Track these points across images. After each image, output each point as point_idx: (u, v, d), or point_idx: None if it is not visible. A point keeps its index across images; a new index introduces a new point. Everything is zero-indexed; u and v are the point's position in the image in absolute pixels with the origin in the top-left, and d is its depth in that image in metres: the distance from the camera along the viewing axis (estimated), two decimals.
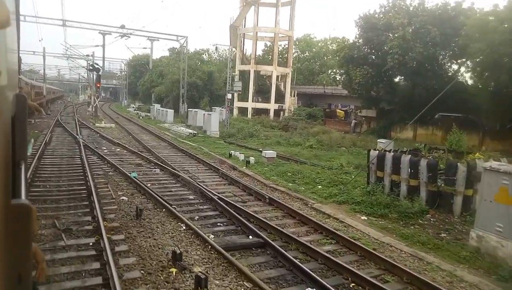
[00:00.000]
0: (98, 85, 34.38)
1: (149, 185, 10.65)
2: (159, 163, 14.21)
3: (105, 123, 29.93)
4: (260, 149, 20.43)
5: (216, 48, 42.73)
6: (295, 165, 15.05)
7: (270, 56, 51.24)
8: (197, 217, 8.48)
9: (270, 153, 15.47)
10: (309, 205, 9.93)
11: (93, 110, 35.05)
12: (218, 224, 8.12)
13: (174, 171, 12.51)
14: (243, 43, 41.84)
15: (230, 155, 16.22)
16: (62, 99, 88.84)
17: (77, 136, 19.91)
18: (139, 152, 16.50)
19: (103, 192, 9.70)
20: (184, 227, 7.61)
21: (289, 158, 16.92)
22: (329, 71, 63.06)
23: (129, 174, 11.49)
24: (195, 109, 30.42)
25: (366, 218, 9.12)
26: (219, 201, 9.20)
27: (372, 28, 27.14)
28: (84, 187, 10.07)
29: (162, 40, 34.08)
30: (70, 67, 68.56)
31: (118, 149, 17.39)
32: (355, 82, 28.01)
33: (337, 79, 59.79)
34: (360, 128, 35.59)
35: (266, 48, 51.15)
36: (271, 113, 39.17)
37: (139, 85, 71.22)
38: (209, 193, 9.89)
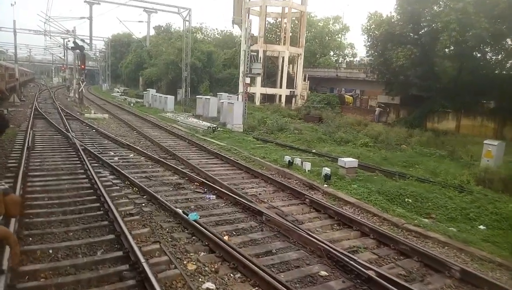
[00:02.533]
0: (83, 67, 28.88)
1: (227, 239, 6.21)
2: (204, 180, 9.69)
3: (95, 113, 24.80)
4: (304, 147, 16.15)
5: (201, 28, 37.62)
6: (389, 180, 10.85)
7: (273, 35, 46.41)
8: None
9: (350, 161, 11.18)
10: None
11: (79, 97, 29.57)
12: None
13: (241, 201, 8.04)
14: (248, 19, 36.72)
15: (291, 163, 11.81)
16: (34, 82, 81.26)
17: (69, 134, 14.98)
18: (162, 159, 11.88)
19: (161, 267, 5.18)
20: None
21: (368, 167, 12.68)
22: (331, 53, 58.87)
23: (184, 214, 6.96)
24: (205, 96, 25.56)
25: None
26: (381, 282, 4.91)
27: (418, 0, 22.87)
28: (122, 256, 5.52)
29: (160, 13, 28.70)
30: (45, 46, 61.19)
31: (132, 155, 12.67)
32: (397, 64, 23.80)
33: (343, 61, 55.72)
34: (386, 117, 31.69)
35: (269, 26, 46.06)
36: (283, 100, 34.67)
37: (121, 67, 64.92)
38: (341, 258, 5.56)
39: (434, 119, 27.74)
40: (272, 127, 21.14)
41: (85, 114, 23.33)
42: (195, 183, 9.56)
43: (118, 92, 52.95)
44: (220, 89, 39.97)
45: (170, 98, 29.61)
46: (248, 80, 23.95)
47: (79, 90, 28.62)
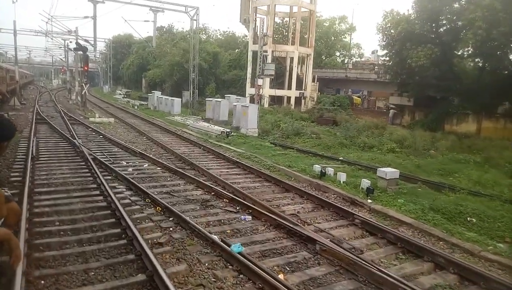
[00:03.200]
0: (86, 68, 27.73)
1: (283, 277, 5.08)
2: (232, 195, 8.56)
3: (100, 117, 23.64)
4: (329, 154, 15.02)
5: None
6: (437, 193, 9.73)
7: (280, 35, 45.31)
8: None
9: (391, 172, 10.04)
10: None
11: (82, 100, 28.41)
12: None
13: (284, 224, 6.90)
14: (255, 19, 35.66)
15: (324, 174, 10.67)
16: (33, 84, 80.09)
17: (75, 141, 13.83)
18: (179, 170, 10.75)
19: None
20: None
21: (406, 177, 11.55)
22: (337, 54, 57.82)
23: (224, 244, 5.81)
24: (216, 99, 24.40)
25: None
26: None
27: None
28: None
29: (166, 14, 27.53)
30: (45, 48, 59.95)
31: (146, 165, 11.51)
32: (417, 64, 22.65)
33: (349, 61, 54.64)
34: (401, 119, 30.58)
35: (275, 26, 44.83)
36: (292, 101, 33.54)
37: (122, 68, 63.73)
38: None
39: (453, 121, 26.64)
40: (287, 131, 20.03)
41: (90, 118, 22.19)
42: (224, 200, 8.41)
43: (120, 94, 51.78)
44: (226, 91, 38.85)
45: (177, 100, 28.47)
46: (260, 82, 22.84)
47: (82, 93, 27.44)
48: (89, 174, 9.86)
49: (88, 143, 14.43)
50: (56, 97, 43.12)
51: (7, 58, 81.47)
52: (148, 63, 49.81)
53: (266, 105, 33.48)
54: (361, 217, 7.51)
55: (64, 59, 56.91)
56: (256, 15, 35.70)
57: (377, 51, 66.94)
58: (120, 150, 13.66)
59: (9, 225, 2.45)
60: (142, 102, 37.67)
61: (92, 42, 27.07)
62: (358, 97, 48.23)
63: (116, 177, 9.72)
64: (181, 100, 31.25)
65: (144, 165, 11.45)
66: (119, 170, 10.27)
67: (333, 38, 58.06)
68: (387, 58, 28.40)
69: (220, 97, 34.39)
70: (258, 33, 37.26)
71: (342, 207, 8.22)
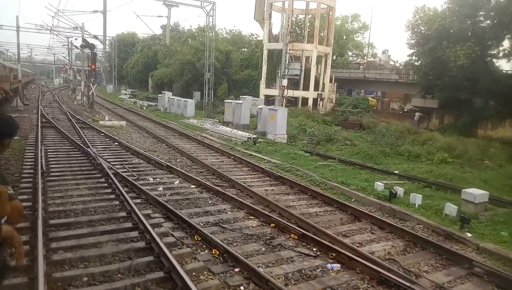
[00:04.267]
0: (94, 67, 25.91)
1: None
2: (295, 226, 6.76)
3: (109, 120, 21.81)
4: (375, 165, 13.21)
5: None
6: None
7: (293, 34, 43.42)
8: None
9: (480, 195, 8.25)
10: None
11: (89, 101, 26.59)
12: None
13: (390, 278, 5.09)
14: (270, 16, 33.84)
15: (393, 195, 8.86)
16: (34, 83, 78.20)
17: (89, 150, 12.03)
18: (217, 188, 8.97)
19: None
20: None
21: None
22: (350, 53, 56.08)
23: None
24: (236, 101, 22.54)
25: None
26: None
27: None
28: None
29: (179, 9, 25.64)
30: (48, 46, 58.09)
31: (177, 181, 9.69)
32: (455, 64, 20.81)
33: (361, 61, 52.83)
34: (428, 122, 28.76)
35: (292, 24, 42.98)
36: (310, 103, 31.70)
37: (126, 67, 61.84)
38: None
39: (487, 126, 24.84)
40: (318, 137, 18.21)
41: (100, 122, 20.35)
42: (291, 235, 6.60)
43: (125, 94, 49.98)
44: (237, 91, 37.06)
45: (191, 102, 26.67)
46: (285, 82, 21.03)
47: (89, 93, 25.61)
48: (113, 196, 8.06)
49: (103, 152, 12.62)
50: (60, 97, 41.30)
51: (7, 56, 79.68)
52: (156, 62, 47.91)
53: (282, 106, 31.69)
54: (484, 265, 5.69)
55: (67, 57, 55.12)
56: (271, 14, 33.88)
57: (387, 50, 65.29)
58: (142, 161, 11.84)
59: (12, 223, 2.38)
60: (150, 103, 35.86)
61: (100, 38, 25.21)
62: (373, 98, 46.40)
63: (147, 201, 7.91)
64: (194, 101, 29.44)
65: (175, 182, 9.63)
66: (147, 189, 8.48)
67: (344, 37, 56.28)
68: (415, 58, 26.52)
69: (234, 98, 32.61)
70: (273, 31, 35.52)
71: (445, 246, 6.41)
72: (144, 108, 33.29)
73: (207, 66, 26.03)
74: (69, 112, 24.08)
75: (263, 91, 33.15)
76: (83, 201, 7.62)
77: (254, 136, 16.63)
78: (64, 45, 49.42)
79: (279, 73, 36.65)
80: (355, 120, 24.91)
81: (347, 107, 28.91)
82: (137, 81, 59.28)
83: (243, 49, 45.67)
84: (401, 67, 45.65)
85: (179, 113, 27.31)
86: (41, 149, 11.72)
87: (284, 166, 12.22)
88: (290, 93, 31.33)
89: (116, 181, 8.77)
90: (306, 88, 33.59)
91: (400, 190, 9.10)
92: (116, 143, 14.51)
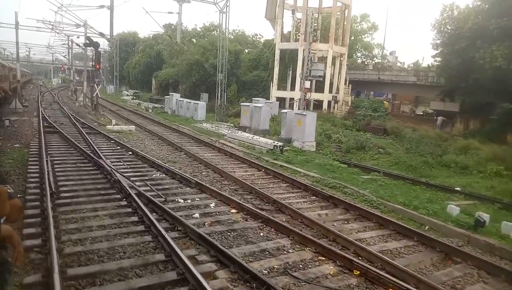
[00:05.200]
0: (98, 67, 24.25)
1: None
2: (390, 276, 5.17)
3: (116, 124, 20.16)
4: (429, 180, 11.65)
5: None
6: None
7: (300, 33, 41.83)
8: None
9: None
10: None
11: (92, 103, 24.92)
12: None
13: None
14: (282, 15, 32.24)
15: (481, 223, 7.28)
16: (32, 83, 76.34)
17: (102, 162, 10.39)
18: (263, 213, 7.38)
19: None
20: None
21: None
22: (359, 54, 54.63)
23: None
24: (256, 104, 20.89)
25: None
26: None
27: None
28: None
29: (188, 7, 23.93)
30: (47, 45, 56.29)
31: (213, 204, 8.06)
32: (491, 65, 19.27)
33: (370, 62, 51.39)
34: (451, 127, 27.25)
35: (299, 23, 41.39)
36: (325, 106, 30.12)
37: (127, 67, 60.13)
38: None
39: None
40: (347, 144, 16.65)
41: (107, 126, 18.69)
42: None
43: (128, 95, 48.32)
44: (245, 93, 35.50)
45: (201, 104, 25.03)
46: (308, 84, 19.48)
47: (94, 95, 23.92)
48: (142, 227, 6.45)
49: (117, 164, 10.99)
50: (60, 98, 39.57)
51: (4, 55, 77.76)
52: (159, 62, 46.20)
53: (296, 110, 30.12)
54: None
55: (67, 56, 53.37)
56: (283, 12, 32.31)
57: (395, 52, 63.91)
58: (164, 175, 10.21)
59: (11, 222, 2.39)
60: (156, 105, 34.20)
61: (107, 36, 23.56)
62: (384, 100, 44.95)
63: (185, 234, 6.29)
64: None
65: (211, 205, 8.01)
66: (181, 216, 6.88)
67: (352, 37, 54.78)
68: (438, 59, 24.99)
69: (246, 100, 31.03)
70: (283, 30, 33.90)
71: None
72: (150, 110, 31.65)
73: (220, 66, 24.40)
74: (72, 115, 22.42)
75: (275, 93, 31.54)
76: (107, 236, 5.99)
77: (280, 144, 15.02)
78: (64, 44, 47.63)
79: (290, 74, 35.35)
80: (378, 124, 23.35)
81: (367, 110, 27.33)
82: (138, 81, 57.60)
83: (248, 50, 44.13)
84: (409, 69, 44.23)
85: (188, 116, 25.68)
86: (46, 161, 10.07)
87: (326, 181, 10.63)
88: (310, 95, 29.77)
89: (141, 205, 7.16)
90: (318, 90, 31.99)
91: (485, 217, 7.52)
92: (130, 153, 12.86)
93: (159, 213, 7.15)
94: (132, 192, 7.93)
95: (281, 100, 31.47)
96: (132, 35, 67.46)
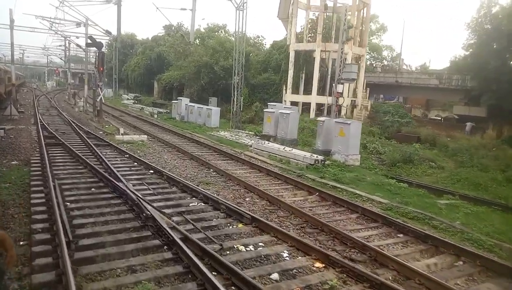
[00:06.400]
0: (102, 69, 22.08)
1: None
2: None
3: (125, 133, 18.02)
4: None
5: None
6: None
7: (312, 34, 39.96)
8: None
9: None
10: None
11: (94, 108, 22.72)
12: None
13: None
14: (297, 14, 30.23)
15: None
16: (25, 86, 73.69)
17: (121, 185, 8.28)
18: (356, 267, 5.37)
19: None
20: None
21: None
22: (367, 56, 52.79)
23: None
24: (282, 110, 18.77)
25: None
26: None
27: None
28: None
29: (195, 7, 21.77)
30: (43, 47, 53.93)
31: (286, 254, 5.99)
32: None
33: (378, 65, 49.70)
34: (482, 134, 25.39)
35: (310, 23, 39.45)
36: (344, 111, 28.09)
37: (125, 70, 57.85)
38: None
39: None
40: (391, 156, 14.67)
41: (116, 136, 16.52)
42: None
43: (128, 99, 46.12)
44: (256, 97, 33.44)
45: (215, 110, 22.95)
46: (340, 89, 17.47)
47: (98, 100, 21.70)
48: None
49: (141, 188, 8.89)
50: (57, 102, 37.27)
51: None
52: (160, 64, 44.02)
53: (313, 115, 28.15)
54: None
55: (63, 58, 50.97)
56: (297, 11, 30.33)
57: (401, 54, 62.30)
58: (204, 205, 8.10)
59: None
60: (160, 110, 32.03)
61: (111, 34, 21.41)
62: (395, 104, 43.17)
63: None
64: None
65: (284, 255, 5.93)
66: (254, 277, 4.83)
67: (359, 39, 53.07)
68: (471, 61, 23.14)
69: (260, 105, 29.03)
70: (290, 30, 31.86)
71: None
72: (155, 115, 29.49)
73: (236, 68, 22.35)
74: (73, 122, 20.26)
75: (289, 97, 29.50)
76: None
77: (321, 157, 12.98)
78: (60, 45, 45.23)
79: (303, 77, 33.38)
80: (410, 132, 21.42)
81: (393, 116, 25.36)
82: (138, 85, 55.37)
83: (251, 52, 42.12)
84: (416, 72, 42.51)
85: (200, 123, 23.57)
86: (54, 187, 7.93)
87: (401, 210, 8.62)
88: (322, 99, 27.82)
89: (196, 260, 5.08)
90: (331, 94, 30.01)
91: None
92: (151, 171, 10.73)
93: (223, 273, 5.07)
94: (176, 236, 5.84)
95: (293, 105, 29.46)
96: (130, 36, 65.21)
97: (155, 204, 7.48)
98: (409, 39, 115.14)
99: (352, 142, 13.40)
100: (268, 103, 26.90)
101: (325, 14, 29.79)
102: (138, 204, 7.37)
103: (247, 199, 8.95)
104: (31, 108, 28.80)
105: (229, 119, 26.06)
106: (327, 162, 13.08)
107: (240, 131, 21.00)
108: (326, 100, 27.64)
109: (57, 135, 15.40)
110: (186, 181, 9.54)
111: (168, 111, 31.38)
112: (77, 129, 18.00)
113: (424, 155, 15.36)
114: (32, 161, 10.90)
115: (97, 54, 22.69)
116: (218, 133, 19.91)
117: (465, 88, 26.96)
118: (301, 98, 30.24)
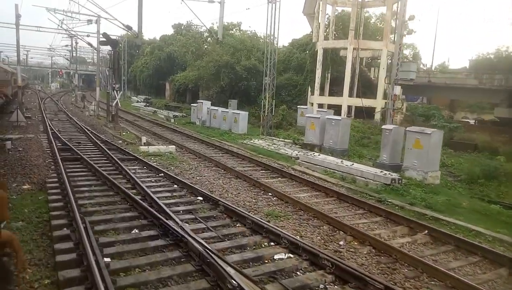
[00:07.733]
0: (117, 70, 19.80)
1: None
2: None
3: (148, 142, 15.76)
4: None
5: None
6: None
7: (339, 32, 37.62)
8: None
9: None
10: None
11: (109, 113, 20.45)
12: None
13: None
14: (325, 9, 27.91)
15: None
16: (29, 88, 71.82)
17: (171, 223, 5.99)
18: None
19: None
20: None
21: None
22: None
23: None
24: (329, 116, 16.39)
25: None
26: None
27: None
28: None
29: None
30: (49, 47, 51.97)
31: None
32: None
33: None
34: None
35: (335, 19, 37.08)
36: (378, 115, 25.78)
37: (132, 70, 55.74)
38: None
39: None
40: (472, 172, 12.32)
41: (140, 147, 14.22)
42: None
43: (138, 101, 43.94)
44: (277, 99, 31.11)
45: (243, 115, 20.61)
46: (397, 91, 15.16)
47: (113, 104, 19.43)
48: None
49: (199, 227, 6.62)
50: (64, 105, 35.16)
51: (0, 59, 73.12)
52: (171, 64, 41.78)
53: None
54: None
55: (69, 59, 48.82)
56: (325, 6, 28.00)
57: (418, 51, 59.80)
58: (299, 260, 5.78)
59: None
60: (175, 113, 29.78)
61: (132, 29, 19.19)
62: (418, 105, 40.70)
63: None
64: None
65: None
66: None
67: (378, 37, 50.70)
68: None
69: (286, 107, 26.73)
70: (320, 27, 29.53)
71: None
72: (172, 120, 27.24)
73: (264, 69, 20.05)
74: (86, 129, 18.06)
75: (316, 99, 27.16)
76: None
77: (397, 176, 10.65)
78: (67, 45, 43.05)
79: (329, 77, 31.08)
80: (465, 138, 19.02)
81: (439, 120, 22.93)
82: (147, 86, 53.23)
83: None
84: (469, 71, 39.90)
85: (225, 129, 21.26)
86: (85, 228, 5.66)
87: None
88: (358, 102, 25.57)
89: None
90: (364, 95, 27.67)
91: None
92: (200, 198, 8.42)
93: None
94: None
95: (320, 107, 27.13)
96: (135, 37, 63.17)
97: (230, 259, 5.21)
98: (423, 38, 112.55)
99: (432, 156, 11.06)
100: (298, 107, 24.61)
101: (357, 8, 27.42)
102: (209, 262, 5.07)
103: (340, 243, 6.63)
104: (38, 112, 26.64)
105: (253, 124, 23.80)
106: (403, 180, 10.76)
107: (274, 138, 18.69)
108: (344, 101, 25.45)
109: (72, 147, 13.16)
110: (249, 214, 7.23)
111: (185, 114, 29.13)
112: (93, 137, 15.78)
113: (507, 169, 13.01)
114: (48, 184, 8.64)
115: (111, 53, 20.47)
116: (251, 141, 17.62)
117: (510, 88, 24.60)
118: (328, 100, 27.89)
